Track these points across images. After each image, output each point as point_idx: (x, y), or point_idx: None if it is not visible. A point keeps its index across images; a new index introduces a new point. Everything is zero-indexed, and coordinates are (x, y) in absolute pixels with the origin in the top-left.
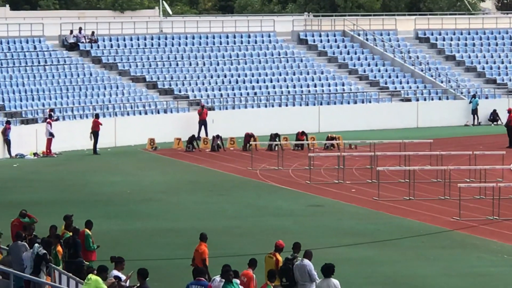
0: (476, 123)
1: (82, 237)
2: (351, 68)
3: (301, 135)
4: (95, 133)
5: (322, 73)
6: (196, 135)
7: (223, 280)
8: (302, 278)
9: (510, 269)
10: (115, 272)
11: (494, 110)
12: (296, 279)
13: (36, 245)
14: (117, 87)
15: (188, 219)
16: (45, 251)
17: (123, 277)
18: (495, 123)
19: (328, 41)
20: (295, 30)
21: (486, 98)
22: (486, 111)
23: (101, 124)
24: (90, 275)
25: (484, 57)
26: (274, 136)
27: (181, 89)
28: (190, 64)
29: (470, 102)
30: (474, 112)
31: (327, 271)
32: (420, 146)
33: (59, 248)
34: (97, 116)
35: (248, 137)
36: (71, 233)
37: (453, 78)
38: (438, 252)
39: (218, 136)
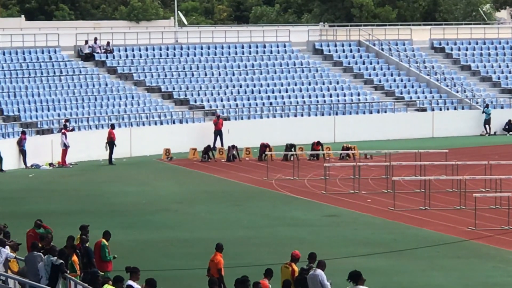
0: (491, 132)
1: (98, 247)
2: (367, 78)
3: (316, 145)
4: (110, 143)
5: (337, 83)
6: (212, 145)
7: None
8: None
9: None
10: (130, 282)
11: (510, 120)
12: None
13: (50, 255)
14: (133, 97)
15: (203, 229)
16: (61, 261)
17: (137, 287)
18: (510, 132)
19: (344, 51)
20: (311, 40)
21: (502, 108)
22: (502, 120)
23: (113, 135)
24: (106, 286)
25: (500, 66)
26: (290, 147)
27: (197, 99)
28: (206, 74)
29: (483, 112)
30: (487, 122)
31: (355, 278)
32: (435, 156)
33: (75, 258)
34: (112, 126)
35: (264, 147)
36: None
37: (469, 88)
38: (454, 262)
39: (233, 146)
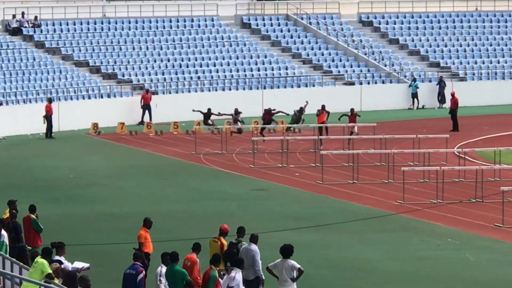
0: (419, 106)
1: (28, 221)
2: (295, 52)
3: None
4: (48, 117)
5: (265, 57)
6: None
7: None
8: (246, 262)
9: (454, 252)
10: (57, 257)
11: (440, 92)
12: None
13: None
14: (61, 72)
15: (132, 203)
16: None
17: (65, 262)
18: (443, 105)
19: (272, 25)
20: (238, 14)
21: (430, 81)
22: (430, 94)
23: (49, 109)
24: (37, 259)
25: (428, 40)
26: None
27: (125, 73)
28: (134, 49)
29: (410, 85)
30: (415, 95)
31: (286, 252)
32: (363, 129)
33: (4, 232)
34: (49, 100)
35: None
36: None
37: (397, 61)
38: (382, 236)
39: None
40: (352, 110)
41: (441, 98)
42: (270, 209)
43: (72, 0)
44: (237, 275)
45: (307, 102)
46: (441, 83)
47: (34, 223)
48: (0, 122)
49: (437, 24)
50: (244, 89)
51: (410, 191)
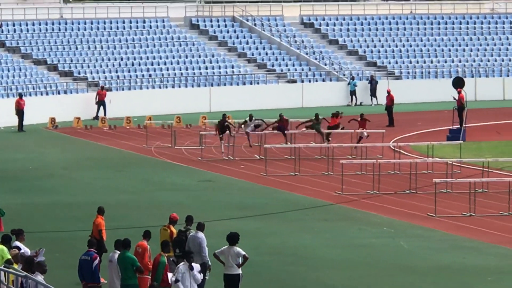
0: (357, 103)
1: None
2: (240, 51)
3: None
4: (19, 111)
5: (213, 56)
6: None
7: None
8: (194, 249)
9: (389, 240)
10: (17, 243)
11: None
12: (188, 249)
13: None
14: (20, 70)
15: (87, 193)
16: None
17: (24, 248)
18: (377, 101)
19: (219, 26)
20: (188, 16)
21: (367, 79)
22: (367, 92)
23: (18, 104)
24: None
25: (365, 41)
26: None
27: (81, 71)
28: (89, 48)
29: (348, 83)
30: (353, 93)
31: (232, 239)
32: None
33: None
34: (20, 95)
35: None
36: None
37: (336, 61)
38: (322, 224)
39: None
40: (362, 115)
41: (373, 95)
42: (217, 199)
43: (31, 2)
44: (182, 266)
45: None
46: (372, 82)
47: None
48: None
49: (374, 26)
50: (192, 86)
51: (348, 182)
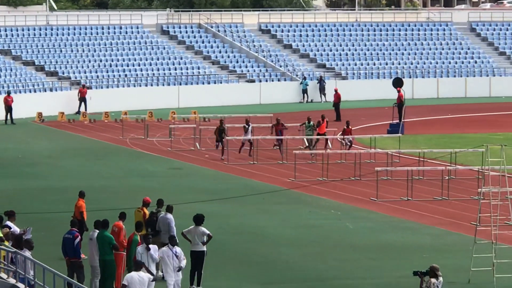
0: (308, 100)
1: None
2: (205, 54)
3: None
4: (7, 107)
5: (181, 58)
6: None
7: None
8: (163, 228)
9: (336, 221)
10: (8, 223)
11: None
12: (158, 229)
13: None
14: (11, 70)
15: (70, 179)
16: None
17: (14, 227)
18: (326, 99)
19: (186, 32)
20: (159, 23)
21: (317, 80)
22: (317, 91)
23: (5, 100)
24: None
25: (316, 46)
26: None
27: (64, 71)
28: (72, 51)
29: (301, 83)
30: (305, 91)
31: (198, 220)
32: (262, 119)
33: None
34: (8, 92)
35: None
36: None
37: (290, 63)
38: (277, 207)
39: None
40: (348, 122)
41: (322, 93)
42: (185, 185)
43: (21, 11)
44: (140, 247)
45: None
46: (321, 82)
47: None
48: None
49: (324, 32)
50: (163, 85)
51: (300, 170)
